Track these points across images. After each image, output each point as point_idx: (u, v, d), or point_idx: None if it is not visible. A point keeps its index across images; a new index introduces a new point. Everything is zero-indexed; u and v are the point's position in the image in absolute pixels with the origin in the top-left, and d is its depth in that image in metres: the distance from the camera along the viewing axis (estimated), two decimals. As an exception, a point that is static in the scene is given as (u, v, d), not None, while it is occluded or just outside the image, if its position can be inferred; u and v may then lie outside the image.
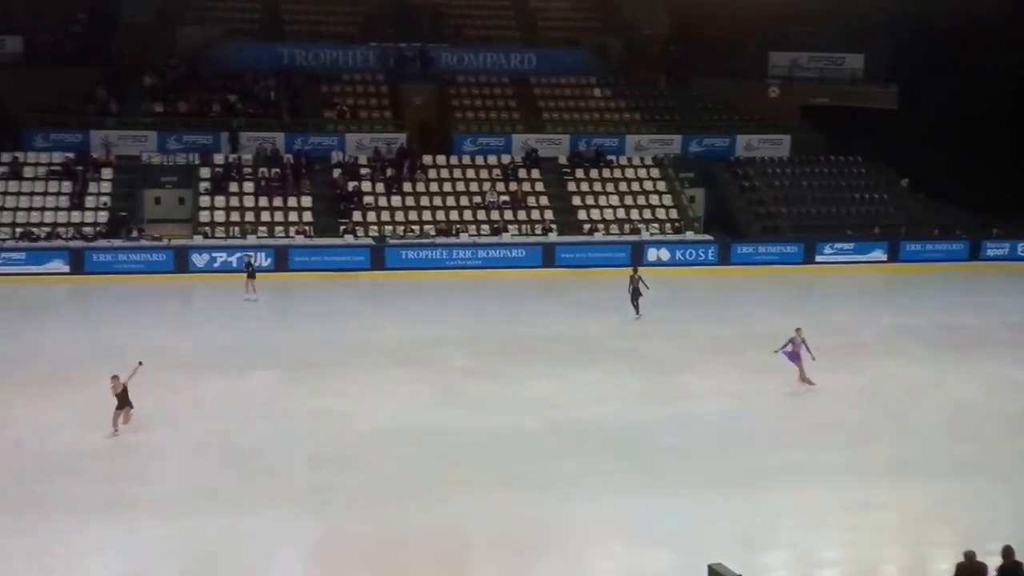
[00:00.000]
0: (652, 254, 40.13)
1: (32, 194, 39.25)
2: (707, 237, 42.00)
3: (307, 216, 40.19)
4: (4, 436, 21.50)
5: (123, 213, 38.79)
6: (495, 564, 17.30)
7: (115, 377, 21.48)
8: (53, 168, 40.22)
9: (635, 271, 32.73)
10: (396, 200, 41.50)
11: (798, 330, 25.05)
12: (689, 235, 41.79)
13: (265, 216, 39.99)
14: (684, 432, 22.78)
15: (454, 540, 17.75)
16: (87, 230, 37.94)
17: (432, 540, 17.71)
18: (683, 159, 45.60)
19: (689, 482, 20.18)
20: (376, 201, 41.32)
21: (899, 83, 45.71)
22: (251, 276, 33.72)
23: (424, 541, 17.70)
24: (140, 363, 21.93)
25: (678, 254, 40.40)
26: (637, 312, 31.93)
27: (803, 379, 25.17)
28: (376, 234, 39.68)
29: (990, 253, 42.92)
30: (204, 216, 39.44)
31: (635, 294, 31.93)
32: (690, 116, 47.54)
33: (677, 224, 42.35)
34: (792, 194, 44.87)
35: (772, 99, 48.35)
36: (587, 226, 41.69)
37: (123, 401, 21.41)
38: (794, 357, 24.98)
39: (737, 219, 43.72)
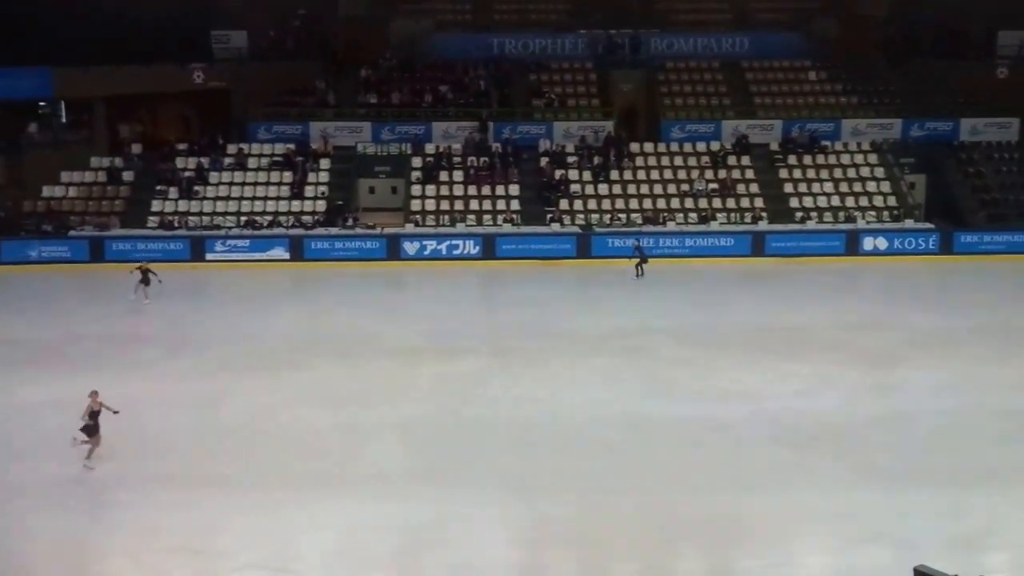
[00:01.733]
0: (868, 243, 38.53)
1: (256, 184, 41.15)
2: (928, 225, 39.96)
3: (514, 204, 40.55)
4: (229, 414, 22.61)
5: (339, 202, 40.15)
6: (700, 556, 16.96)
7: (94, 396, 19.77)
8: (275, 159, 42.05)
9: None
10: (603, 188, 41.34)
11: None
12: (908, 223, 39.86)
13: (473, 204, 40.61)
14: (900, 427, 21.78)
15: (658, 529, 17.52)
16: (306, 219, 39.49)
17: (636, 528, 17.54)
18: (903, 144, 43.52)
19: (904, 478, 19.27)
20: (583, 189, 41.28)
21: None
22: (145, 282, 31.60)
23: (628, 529, 17.55)
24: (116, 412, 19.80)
25: (896, 243, 38.61)
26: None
27: None
28: (583, 222, 39.66)
29: None
30: (415, 205, 40.39)
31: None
32: (911, 99, 45.30)
33: (896, 212, 40.47)
34: (1021, 180, 42.13)
35: (1000, 80, 45.53)
36: (799, 214, 40.39)
37: (94, 428, 19.55)
38: None
39: (961, 206, 41.40)
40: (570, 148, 42.92)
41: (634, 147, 43.09)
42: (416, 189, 40.97)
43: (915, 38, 47.66)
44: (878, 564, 16.42)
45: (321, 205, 40.22)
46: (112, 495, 18.54)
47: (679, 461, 20.13)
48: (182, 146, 42.82)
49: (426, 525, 17.55)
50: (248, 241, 37.91)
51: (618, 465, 19.95)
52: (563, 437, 21.24)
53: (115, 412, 19.54)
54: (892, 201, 40.99)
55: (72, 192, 40.70)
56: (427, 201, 40.57)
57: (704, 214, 40.07)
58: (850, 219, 39.98)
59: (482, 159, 42.00)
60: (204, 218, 39.56)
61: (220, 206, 40.21)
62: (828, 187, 41.52)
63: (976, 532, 17.47)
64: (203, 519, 17.63)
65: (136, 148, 42.83)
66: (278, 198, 40.66)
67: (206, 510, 17.92)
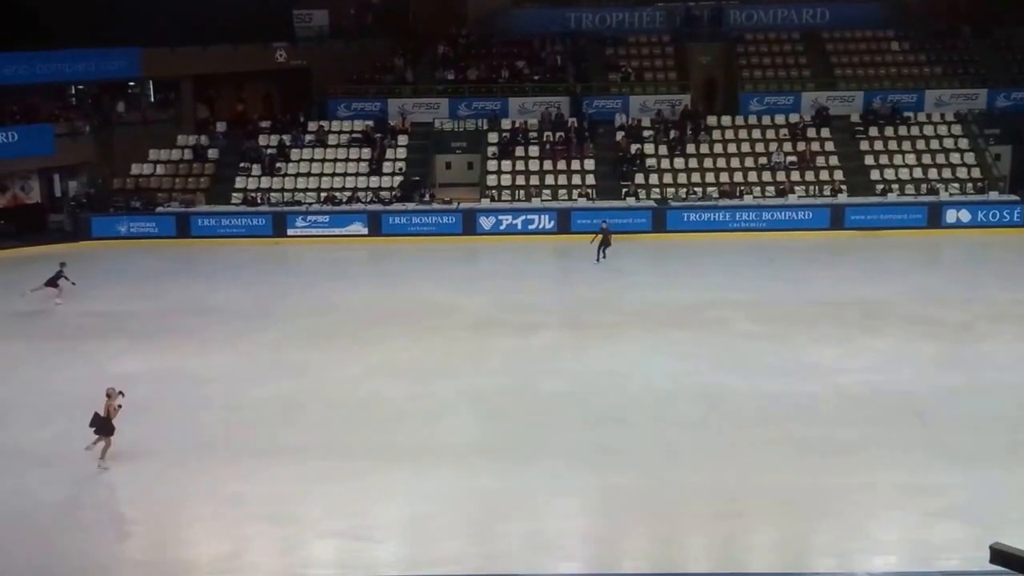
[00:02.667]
0: (951, 215, 37.85)
1: (335, 160, 41.79)
2: (1013, 197, 39.05)
3: (590, 179, 40.61)
4: (310, 385, 23.19)
5: (416, 178, 40.59)
6: (775, 529, 17.02)
7: (116, 394, 19.20)
8: (354, 136, 42.63)
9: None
10: (679, 162, 41.16)
11: None
12: (993, 195, 39.01)
13: (549, 179, 40.75)
14: (981, 402, 21.52)
15: (732, 502, 17.60)
16: (384, 194, 40.02)
17: (708, 502, 17.63)
18: (988, 114, 42.52)
19: (983, 455, 19.07)
20: (659, 164, 41.16)
21: None
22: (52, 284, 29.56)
23: (700, 502, 17.65)
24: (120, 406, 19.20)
25: (980, 215, 37.86)
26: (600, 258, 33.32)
27: None
28: (658, 196, 39.58)
29: None
30: (491, 180, 40.66)
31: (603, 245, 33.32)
32: (996, 68, 44.21)
33: (980, 184, 39.65)
34: (1112, 150, 40.97)
35: (1094, 46, 44.21)
36: (880, 186, 39.79)
37: (108, 426, 18.98)
38: None
39: (1048, 178, 40.43)
40: (646, 122, 42.77)
41: (711, 120, 42.78)
42: (492, 164, 41.23)
43: (1002, 5, 46.39)
44: (953, 540, 16.36)
45: (399, 181, 40.70)
46: (197, 464, 19.16)
47: (753, 435, 20.14)
48: (265, 124, 43.64)
49: (500, 495, 17.86)
50: (328, 217, 38.58)
51: (691, 439, 20.05)
52: (636, 410, 21.40)
53: (119, 407, 19.03)
54: (976, 173, 40.17)
55: (159, 169, 41.78)
56: (503, 176, 40.81)
57: (782, 187, 39.70)
58: (932, 191, 39.29)
59: (558, 134, 42.08)
60: (286, 194, 40.33)
61: (301, 182, 40.94)
62: (910, 159, 40.81)
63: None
64: (285, 488, 18.16)
65: (221, 126, 43.76)
66: (357, 174, 41.25)
67: (288, 479, 18.45)
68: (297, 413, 21.64)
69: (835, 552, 16.35)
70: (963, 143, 41.29)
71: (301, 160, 41.80)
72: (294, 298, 30.46)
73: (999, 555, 11.72)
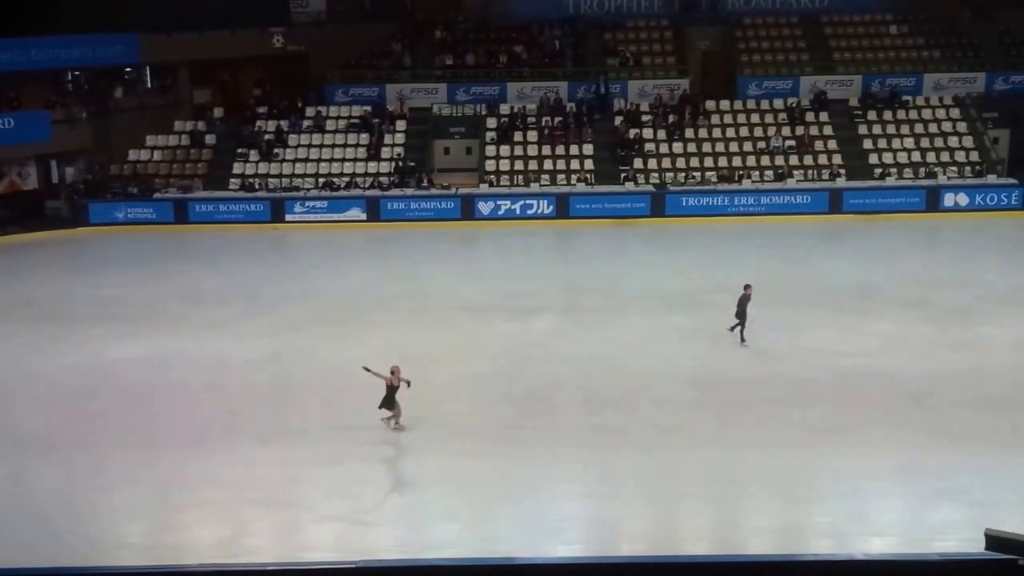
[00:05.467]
0: (949, 199, 37.84)
1: (333, 146, 41.73)
2: (1011, 181, 39.02)
3: (588, 164, 40.56)
4: (308, 370, 23.20)
5: (411, 163, 40.53)
6: (772, 510, 17.08)
7: (395, 372, 19.76)
8: (352, 121, 42.55)
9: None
10: (677, 147, 41.11)
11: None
12: (991, 178, 38.99)
13: (548, 164, 40.69)
14: (979, 385, 21.55)
15: (732, 485, 17.65)
16: (382, 180, 39.97)
17: (708, 483, 17.68)
18: (987, 98, 42.46)
19: (981, 437, 19.12)
20: (657, 148, 41.11)
21: None
22: None
23: (700, 484, 17.70)
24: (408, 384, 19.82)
25: (978, 199, 37.85)
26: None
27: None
28: (657, 181, 39.54)
29: None
30: (490, 165, 40.62)
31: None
32: (996, 51, 44.14)
33: (978, 167, 39.62)
34: (1111, 133, 40.93)
35: (1092, 29, 44.12)
36: (878, 170, 39.75)
37: (389, 400, 19.66)
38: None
39: (1047, 161, 40.39)
40: (644, 107, 42.70)
41: (710, 105, 42.71)
42: (490, 150, 41.16)
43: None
44: (950, 521, 16.42)
45: (403, 166, 40.61)
46: (196, 448, 19.19)
47: (752, 418, 20.18)
48: (262, 109, 43.55)
49: (498, 479, 17.90)
50: (326, 202, 38.54)
51: (691, 422, 20.09)
52: (635, 394, 21.43)
53: (408, 384, 19.60)
54: (974, 156, 40.13)
55: (157, 155, 41.69)
56: (501, 161, 40.77)
57: (781, 171, 39.66)
58: (931, 175, 39.25)
59: (556, 119, 42.02)
60: (283, 180, 40.28)
61: (299, 168, 40.88)
62: (908, 143, 40.76)
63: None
64: (283, 472, 18.20)
65: (218, 112, 43.68)
66: (355, 159, 41.19)
67: (286, 463, 18.49)
68: (295, 398, 21.67)
69: (833, 534, 16.41)
70: (961, 127, 41.24)
71: (299, 146, 41.73)
72: (292, 283, 30.47)
73: (995, 541, 11.79)
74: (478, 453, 18.80)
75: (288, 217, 38.31)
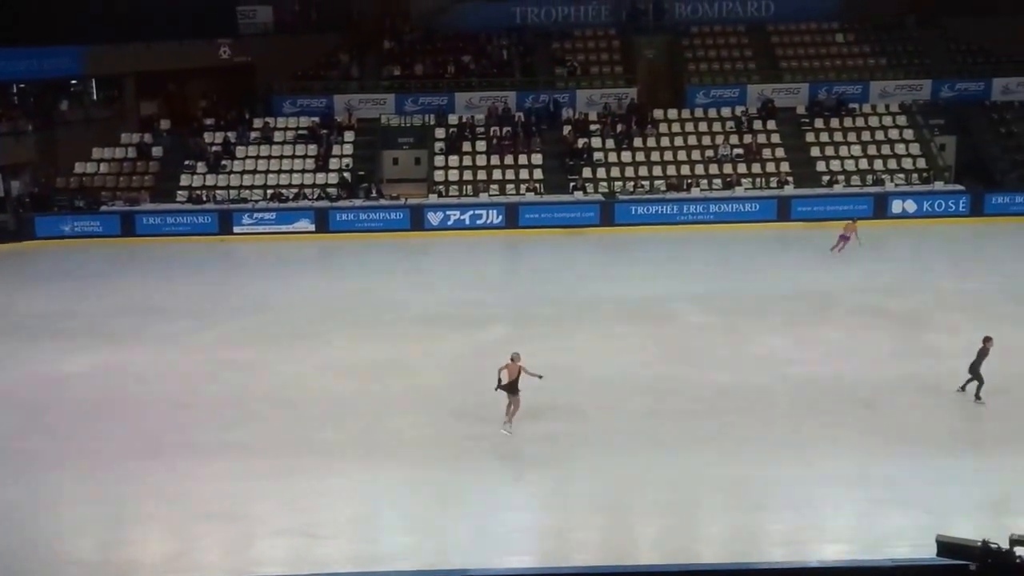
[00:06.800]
0: (897, 206, 38.27)
1: (281, 157, 41.35)
2: (958, 187, 39.57)
3: (537, 174, 40.53)
4: (257, 383, 22.86)
5: (360, 172, 40.26)
6: (727, 519, 17.04)
7: (515, 359, 19.81)
8: (300, 132, 42.21)
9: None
10: (626, 156, 41.21)
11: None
12: (938, 185, 39.49)
13: (497, 174, 40.62)
14: (930, 391, 21.69)
15: (681, 494, 17.60)
16: (331, 191, 39.66)
17: (662, 493, 17.63)
18: (933, 105, 43.01)
19: (933, 443, 19.29)
20: (606, 157, 41.18)
21: None
22: None
23: (653, 494, 17.64)
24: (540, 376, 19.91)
25: (925, 205, 38.29)
26: None
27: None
28: (606, 190, 39.59)
29: None
30: (439, 175, 40.45)
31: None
32: (941, 59, 44.75)
33: (925, 174, 40.10)
34: (1055, 139, 41.64)
35: (1033, 38, 44.85)
36: (826, 178, 40.11)
37: (513, 388, 19.78)
38: None
39: (991, 167, 40.92)
40: (593, 116, 42.77)
41: (658, 113, 42.88)
42: (439, 160, 41.02)
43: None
44: (902, 527, 16.45)
45: (346, 177, 40.31)
46: (144, 464, 18.82)
47: (705, 427, 20.17)
48: (209, 121, 43.07)
49: (450, 490, 17.73)
50: (274, 214, 38.16)
51: (643, 431, 20.02)
52: (587, 403, 21.34)
53: (540, 377, 19.65)
54: (921, 163, 40.62)
55: (103, 168, 41.07)
56: (450, 171, 40.63)
57: (729, 180, 39.88)
58: (878, 182, 39.67)
59: (505, 129, 41.96)
60: (231, 192, 39.84)
61: (247, 180, 40.47)
62: (856, 150, 41.18)
63: (1003, 496, 17.41)
64: (233, 486, 17.91)
65: (165, 124, 43.14)
66: (303, 171, 40.85)
67: (236, 477, 18.20)
68: (245, 411, 21.33)
69: (786, 541, 16.40)
70: (908, 134, 41.74)
71: (247, 157, 41.32)
72: (241, 296, 30.08)
73: (946, 547, 11.80)
74: (431, 464, 18.62)
75: (236, 229, 37.86)
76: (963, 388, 21.14)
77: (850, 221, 33.04)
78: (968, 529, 13.19)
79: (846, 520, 17.07)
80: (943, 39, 45.60)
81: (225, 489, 17.81)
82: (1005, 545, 11.34)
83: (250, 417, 21.04)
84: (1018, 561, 11.40)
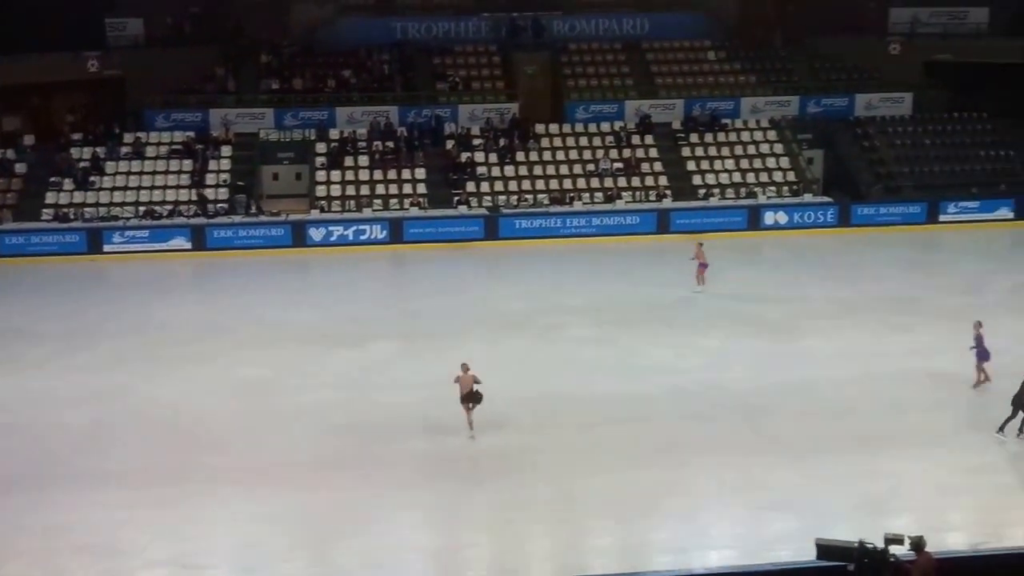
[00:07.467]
0: (769, 217, 39.26)
1: (154, 173, 40.21)
2: (826, 199, 40.84)
3: (421, 188, 40.35)
4: (130, 408, 22.17)
5: (240, 183, 39.45)
6: (613, 529, 17.16)
7: (465, 369, 20.32)
8: (174, 147, 41.16)
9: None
10: (509, 170, 41.35)
11: (978, 324, 22.62)
12: (807, 197, 40.68)
13: (380, 189, 40.29)
14: (805, 397, 22.34)
15: (571, 506, 17.67)
16: (208, 207, 38.74)
17: (548, 507, 17.65)
18: (800, 120, 44.34)
19: (810, 448, 19.78)
20: (489, 171, 41.24)
21: (1026, 35, 43.60)
22: None
23: (540, 508, 17.65)
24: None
25: (796, 217, 39.39)
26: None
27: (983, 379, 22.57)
28: (490, 204, 39.66)
29: None
30: (321, 191, 39.93)
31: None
32: (807, 76, 46.19)
33: (795, 187, 41.26)
34: (914, 153, 43.26)
35: (893, 56, 46.58)
36: (702, 191, 40.94)
37: (473, 397, 20.32)
38: (982, 355, 22.47)
39: (857, 180, 42.37)
40: (475, 131, 42.83)
41: (539, 128, 43.16)
42: (321, 175, 40.48)
43: (810, 16, 48.43)
44: (784, 531, 16.81)
45: (223, 193, 39.49)
46: (10, 497, 18.03)
47: (589, 438, 20.32)
48: (76, 136, 41.66)
49: (337, 512, 17.46)
50: (147, 232, 37.09)
51: (531, 445, 20.07)
52: (476, 420, 21.22)
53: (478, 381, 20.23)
54: (791, 176, 41.77)
55: (-37, 186, 39.39)
56: (332, 187, 40.12)
57: (610, 193, 40.36)
58: (751, 195, 40.65)
59: (387, 143, 41.70)
60: (101, 209, 38.55)
61: (117, 196, 39.19)
62: (729, 164, 42.13)
63: (879, 496, 17.96)
64: (106, 516, 17.32)
65: (29, 139, 41.56)
66: (178, 187, 39.80)
67: (109, 507, 17.60)
68: (117, 437, 20.64)
69: (671, 549, 16.58)
70: (778, 148, 42.90)
71: (117, 173, 40.03)
72: (112, 317, 29.10)
73: (825, 549, 12.10)
74: (316, 485, 18.30)
75: (106, 248, 36.61)
76: (1001, 430, 19.93)
77: (697, 245, 31.18)
78: (846, 531, 13.61)
79: (729, 527, 17.37)
80: (809, 57, 47.09)
81: (97, 520, 17.22)
82: (881, 544, 11.73)
83: (123, 444, 20.38)
84: (891, 560, 11.80)
